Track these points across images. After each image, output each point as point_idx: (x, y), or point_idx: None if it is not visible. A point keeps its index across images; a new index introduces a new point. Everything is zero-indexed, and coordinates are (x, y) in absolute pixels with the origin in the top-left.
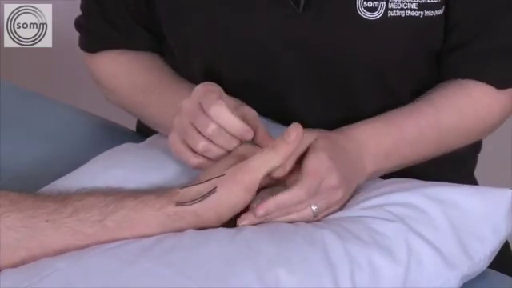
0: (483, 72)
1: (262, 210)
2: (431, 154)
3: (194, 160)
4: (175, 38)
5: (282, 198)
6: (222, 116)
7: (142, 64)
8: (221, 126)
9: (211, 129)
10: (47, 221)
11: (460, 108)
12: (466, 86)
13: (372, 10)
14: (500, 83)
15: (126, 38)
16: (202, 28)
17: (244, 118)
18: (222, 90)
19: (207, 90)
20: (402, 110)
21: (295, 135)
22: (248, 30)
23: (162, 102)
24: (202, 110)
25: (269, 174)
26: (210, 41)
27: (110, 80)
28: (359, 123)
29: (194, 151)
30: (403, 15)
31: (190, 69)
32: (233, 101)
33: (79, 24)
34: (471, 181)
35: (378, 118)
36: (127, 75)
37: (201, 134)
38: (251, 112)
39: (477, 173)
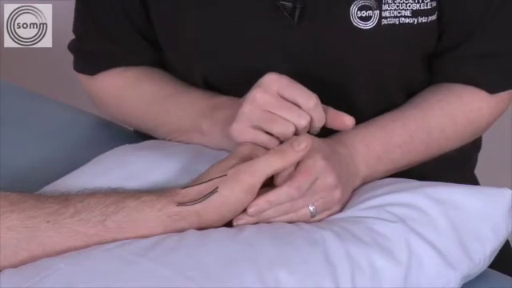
0: (473, 76)
1: (252, 207)
2: (422, 158)
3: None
4: (173, 52)
5: (272, 195)
6: (321, 112)
7: (149, 75)
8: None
9: (307, 121)
10: (48, 221)
11: (450, 111)
12: (455, 90)
13: (366, 19)
14: (491, 87)
15: (129, 53)
16: (198, 41)
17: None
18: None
19: (289, 82)
20: (391, 114)
21: (305, 145)
22: (245, 41)
23: (179, 106)
24: (288, 100)
25: (272, 177)
26: (208, 54)
27: (117, 96)
28: (348, 129)
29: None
30: (397, 23)
31: (190, 79)
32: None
33: (74, 48)
34: (472, 180)
35: (367, 122)
36: (137, 86)
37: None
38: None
39: (477, 172)
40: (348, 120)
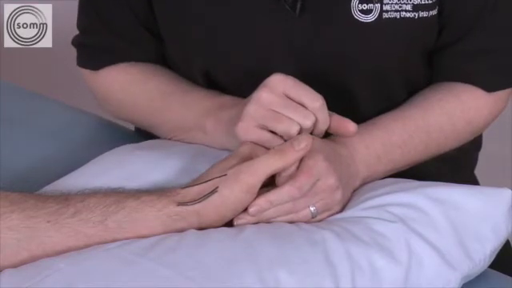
0: (472, 73)
1: (253, 207)
2: (421, 158)
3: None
4: (175, 46)
5: (273, 194)
6: (326, 113)
7: (155, 72)
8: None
9: (312, 121)
10: (48, 221)
11: (449, 111)
12: (454, 89)
13: (367, 12)
14: (489, 86)
15: (134, 47)
16: (201, 36)
17: None
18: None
19: (295, 83)
20: (391, 114)
21: (305, 145)
22: (247, 35)
23: (183, 104)
24: (294, 100)
25: (273, 176)
26: (210, 48)
27: (120, 92)
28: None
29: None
30: (398, 17)
31: (191, 75)
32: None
33: (78, 43)
34: (472, 180)
35: (367, 123)
36: (142, 83)
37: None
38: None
39: (477, 172)
40: (352, 127)
